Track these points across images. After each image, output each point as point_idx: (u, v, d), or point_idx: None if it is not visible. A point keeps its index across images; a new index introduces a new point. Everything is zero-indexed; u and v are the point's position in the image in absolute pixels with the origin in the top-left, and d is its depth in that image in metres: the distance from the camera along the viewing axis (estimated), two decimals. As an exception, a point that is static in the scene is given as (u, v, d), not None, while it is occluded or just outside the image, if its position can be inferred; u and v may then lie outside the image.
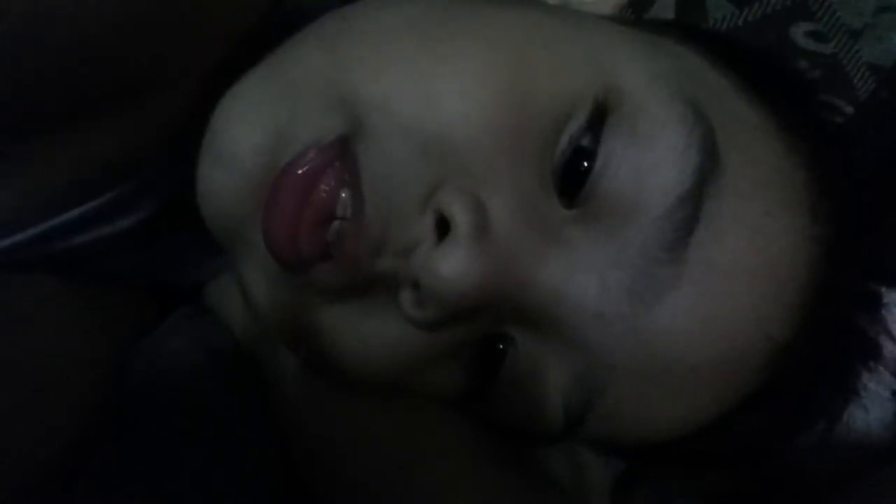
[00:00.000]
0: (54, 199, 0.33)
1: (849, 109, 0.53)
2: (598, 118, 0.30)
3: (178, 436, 0.34)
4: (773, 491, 0.38)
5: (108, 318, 0.38)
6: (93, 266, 0.37)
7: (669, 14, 0.53)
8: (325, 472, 0.36)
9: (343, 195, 0.30)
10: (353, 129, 0.29)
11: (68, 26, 0.26)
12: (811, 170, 0.33)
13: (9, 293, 0.34)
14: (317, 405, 0.37)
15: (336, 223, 0.30)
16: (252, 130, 0.31)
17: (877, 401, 0.40)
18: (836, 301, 0.33)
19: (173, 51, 0.30)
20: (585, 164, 0.30)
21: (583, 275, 0.30)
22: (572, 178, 0.30)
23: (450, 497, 0.36)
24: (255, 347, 0.39)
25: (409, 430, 0.37)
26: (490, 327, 0.32)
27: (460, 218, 0.28)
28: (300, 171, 0.29)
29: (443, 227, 0.29)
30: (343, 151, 0.29)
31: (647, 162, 0.29)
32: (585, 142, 0.30)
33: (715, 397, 0.33)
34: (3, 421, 0.31)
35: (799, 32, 0.54)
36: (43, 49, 0.27)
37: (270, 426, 0.37)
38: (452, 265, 0.28)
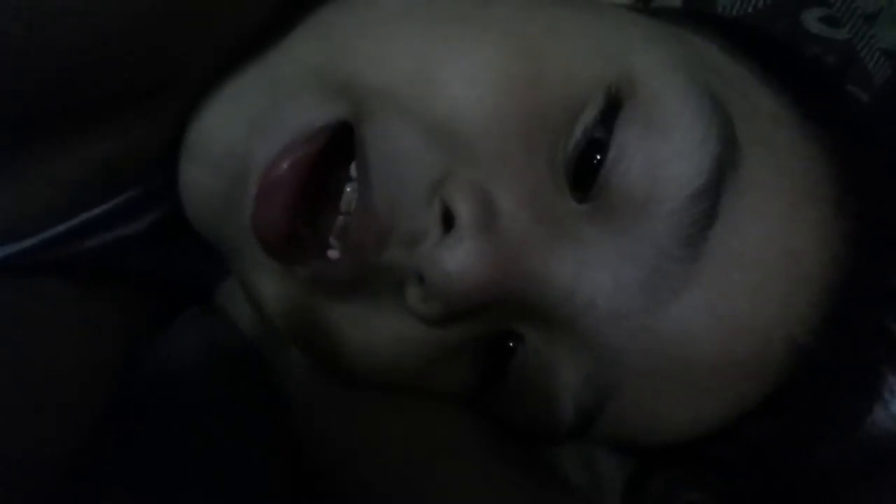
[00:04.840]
0: (66, 202, 0.32)
1: (864, 96, 0.52)
2: (612, 109, 0.29)
3: (185, 434, 0.34)
4: (790, 490, 0.37)
5: (116, 320, 0.38)
6: (105, 268, 0.37)
7: (676, 1, 0.51)
8: (334, 470, 0.36)
9: (348, 189, 0.30)
10: (355, 114, 0.29)
11: (77, 24, 0.26)
12: (836, 163, 0.32)
13: (17, 298, 0.34)
14: (326, 403, 0.37)
15: (340, 218, 0.30)
16: (224, 120, 0.31)
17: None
18: (861, 300, 0.32)
19: (182, 51, 0.30)
20: (598, 156, 0.29)
21: (595, 271, 0.29)
22: (585, 172, 0.29)
23: (461, 496, 0.36)
24: (265, 346, 0.39)
25: (420, 428, 0.37)
26: (499, 324, 0.31)
27: (463, 211, 0.28)
28: (289, 161, 0.29)
29: (449, 220, 0.29)
30: (329, 136, 0.29)
31: (662, 154, 0.29)
32: (599, 133, 0.29)
33: (732, 399, 0.32)
34: (5, 424, 0.31)
35: (811, 18, 0.52)
36: (52, 48, 0.26)
37: (279, 425, 0.36)
38: (457, 260, 0.28)
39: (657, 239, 0.29)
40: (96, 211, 0.33)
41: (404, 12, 0.31)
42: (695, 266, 0.29)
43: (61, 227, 0.33)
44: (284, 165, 0.29)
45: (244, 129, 0.30)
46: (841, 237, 0.31)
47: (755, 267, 0.30)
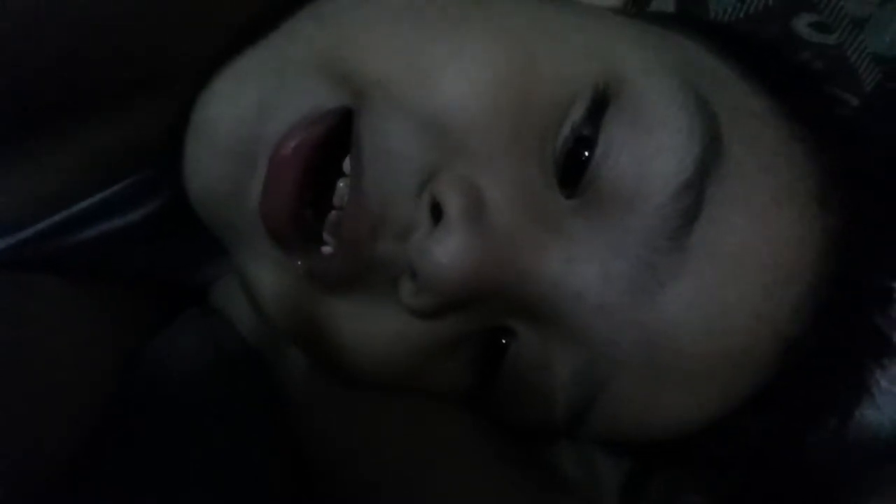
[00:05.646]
0: (62, 193, 0.32)
1: (854, 101, 0.53)
2: (599, 106, 0.29)
3: (184, 434, 0.34)
4: (784, 490, 0.37)
5: (115, 319, 0.38)
6: (102, 263, 0.37)
7: (670, 7, 0.52)
8: (334, 470, 0.36)
9: (341, 184, 0.31)
10: (356, 103, 0.30)
11: (77, 26, 0.26)
12: (820, 159, 0.32)
13: (14, 294, 0.34)
14: (326, 404, 0.37)
15: (333, 213, 0.31)
16: (231, 102, 0.31)
17: (890, 400, 0.39)
18: (847, 295, 0.33)
19: (179, 43, 0.30)
20: (586, 153, 0.29)
21: (584, 265, 0.29)
22: (573, 168, 0.30)
23: (461, 496, 0.36)
24: (264, 347, 0.39)
25: (418, 428, 0.37)
26: (491, 320, 0.32)
27: (451, 203, 0.28)
28: (296, 141, 0.29)
29: (438, 213, 0.29)
30: (335, 120, 0.30)
31: (648, 149, 0.29)
32: (587, 130, 0.29)
33: (721, 392, 0.32)
34: (5, 424, 0.30)
35: (802, 24, 0.53)
36: (46, 43, 0.27)
37: (279, 425, 0.36)
38: (446, 251, 0.28)
39: (644, 232, 0.29)
40: (93, 200, 0.33)
41: (403, 9, 0.31)
42: (681, 258, 0.29)
43: (57, 217, 0.33)
44: (292, 145, 0.29)
45: (251, 111, 0.30)
46: (826, 232, 0.32)
47: (740, 259, 0.30)
